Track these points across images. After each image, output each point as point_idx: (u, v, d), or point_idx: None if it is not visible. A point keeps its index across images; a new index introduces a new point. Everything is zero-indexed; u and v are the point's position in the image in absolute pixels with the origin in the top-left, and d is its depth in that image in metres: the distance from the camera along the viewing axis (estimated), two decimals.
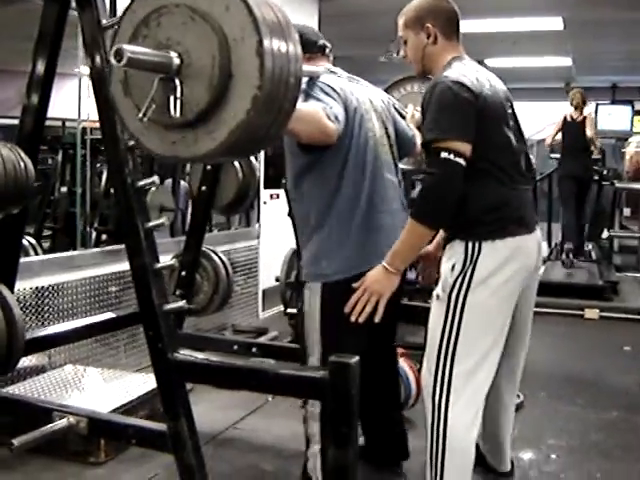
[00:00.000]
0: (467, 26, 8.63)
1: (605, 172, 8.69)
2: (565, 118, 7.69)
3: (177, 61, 1.66)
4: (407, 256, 2.29)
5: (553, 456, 3.11)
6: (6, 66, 8.82)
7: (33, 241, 4.40)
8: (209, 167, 3.51)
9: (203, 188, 3.52)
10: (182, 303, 2.29)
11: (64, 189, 5.88)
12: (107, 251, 4.16)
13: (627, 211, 10.03)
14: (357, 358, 1.93)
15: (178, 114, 1.67)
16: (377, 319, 2.28)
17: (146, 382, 3.35)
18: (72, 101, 4.40)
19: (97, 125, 4.65)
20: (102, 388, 3.32)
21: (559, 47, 8.67)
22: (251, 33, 1.62)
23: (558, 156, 7.83)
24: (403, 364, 3.59)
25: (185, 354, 2.19)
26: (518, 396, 3.36)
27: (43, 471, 2.91)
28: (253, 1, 1.64)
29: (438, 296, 2.32)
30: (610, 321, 5.76)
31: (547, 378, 4.18)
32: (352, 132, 2.44)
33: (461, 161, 2.16)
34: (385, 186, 2.49)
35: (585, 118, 7.63)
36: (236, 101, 1.65)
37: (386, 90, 3.55)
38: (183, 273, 3.57)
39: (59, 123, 6.80)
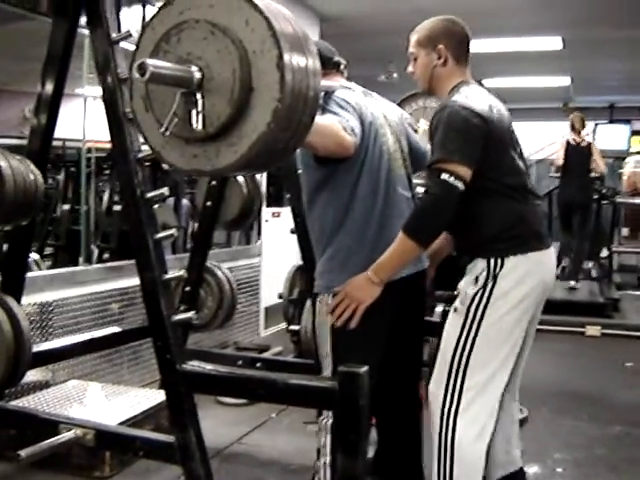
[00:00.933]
0: None
1: (604, 191, 8.72)
2: (568, 142, 7.72)
3: (198, 75, 1.68)
4: (392, 268, 2.29)
5: (559, 470, 3.11)
6: (6, 87, 8.88)
7: (37, 257, 4.41)
8: (214, 183, 3.53)
9: (208, 203, 3.53)
10: (191, 314, 2.29)
11: (66, 207, 5.90)
12: (110, 267, 4.17)
13: (625, 231, 10.07)
14: (366, 368, 1.94)
15: (200, 127, 1.68)
16: (352, 325, 2.29)
17: (150, 397, 3.36)
18: (72, 121, 4.42)
19: (99, 145, 4.74)
20: (106, 403, 3.32)
21: (558, 67, 8.74)
22: (271, 46, 1.64)
23: (558, 175, 7.85)
24: None
25: (193, 365, 2.20)
26: (521, 411, 3.37)
27: None
28: (272, 15, 1.66)
29: (456, 309, 2.33)
30: (611, 338, 5.77)
31: (550, 394, 4.18)
32: (367, 146, 2.45)
33: (459, 185, 2.18)
34: (398, 200, 2.50)
35: (589, 145, 7.68)
36: (257, 114, 1.66)
37: (398, 104, 3.58)
38: (187, 288, 3.58)
39: (59, 143, 6.83)
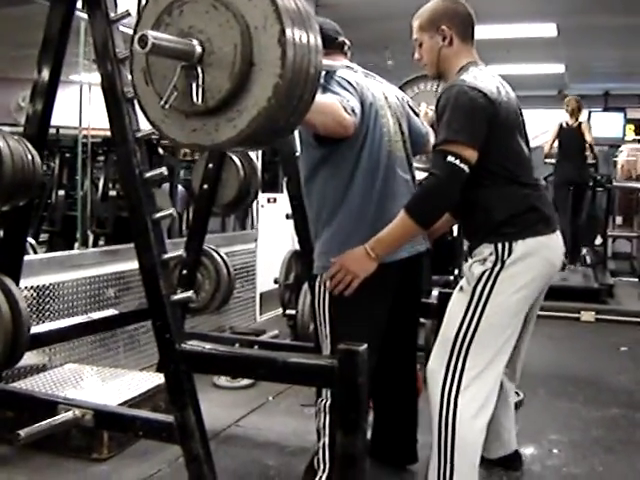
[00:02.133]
0: None
1: (599, 178, 8.74)
2: (561, 125, 7.74)
3: (199, 49, 1.67)
4: (390, 245, 2.30)
5: (555, 451, 3.12)
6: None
7: (33, 242, 4.40)
8: (210, 165, 3.52)
9: (205, 186, 3.53)
10: (190, 294, 2.29)
11: (61, 192, 5.88)
12: (106, 251, 4.16)
13: (619, 219, 10.09)
14: (365, 346, 1.94)
15: (200, 101, 1.67)
16: (346, 293, 2.32)
17: (147, 380, 3.36)
18: (66, 109, 4.39)
19: (94, 132, 4.71)
20: (103, 386, 3.31)
21: (552, 54, 8.73)
22: (273, 22, 1.63)
23: (553, 161, 7.87)
24: None
25: (192, 344, 2.20)
26: (517, 394, 3.39)
27: (46, 467, 2.90)
28: None
29: (462, 288, 2.34)
30: (606, 323, 5.79)
31: (546, 377, 4.20)
32: (367, 127, 2.45)
33: (465, 168, 2.18)
34: (397, 182, 2.50)
35: (581, 124, 7.70)
36: (257, 89, 1.66)
37: (400, 88, 3.58)
38: (184, 271, 3.58)
39: (53, 130, 6.81)
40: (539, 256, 2.30)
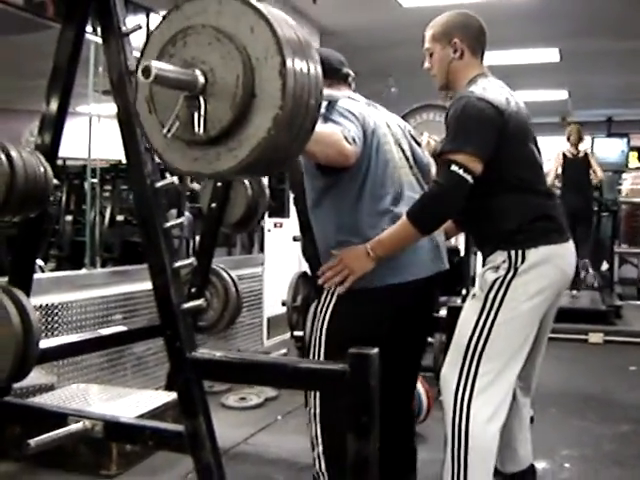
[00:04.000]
0: None
1: (604, 202, 8.77)
2: (564, 155, 7.76)
3: (202, 79, 1.70)
4: (389, 249, 2.30)
5: (567, 465, 3.11)
6: (7, 105, 8.90)
7: (41, 263, 4.42)
8: (219, 184, 3.54)
9: (213, 205, 3.55)
10: (200, 302, 2.29)
11: (69, 218, 5.92)
12: (115, 272, 4.18)
13: (624, 247, 10.10)
14: (377, 350, 1.95)
15: (202, 131, 1.70)
16: (341, 290, 2.33)
17: (155, 398, 3.35)
18: (72, 140, 4.42)
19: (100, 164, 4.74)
20: (111, 403, 3.31)
21: (555, 80, 8.81)
22: (274, 54, 1.66)
23: (558, 192, 7.88)
24: None
25: (203, 352, 2.20)
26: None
27: None
28: (277, 23, 1.68)
29: (474, 295, 2.34)
30: (614, 345, 5.77)
31: (557, 396, 4.19)
32: (370, 155, 2.45)
33: (469, 178, 2.19)
34: (407, 205, 2.50)
35: (587, 155, 7.72)
36: (258, 120, 1.68)
37: (402, 117, 3.62)
38: (193, 290, 3.58)
39: (59, 162, 6.88)
40: (552, 264, 2.30)
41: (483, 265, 2.43)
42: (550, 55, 7.57)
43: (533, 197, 2.34)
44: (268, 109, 1.66)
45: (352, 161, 2.34)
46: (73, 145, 4.40)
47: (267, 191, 3.69)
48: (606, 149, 10.58)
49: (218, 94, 1.70)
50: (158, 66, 1.63)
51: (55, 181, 2.53)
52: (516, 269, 2.26)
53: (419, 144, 2.81)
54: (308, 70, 1.72)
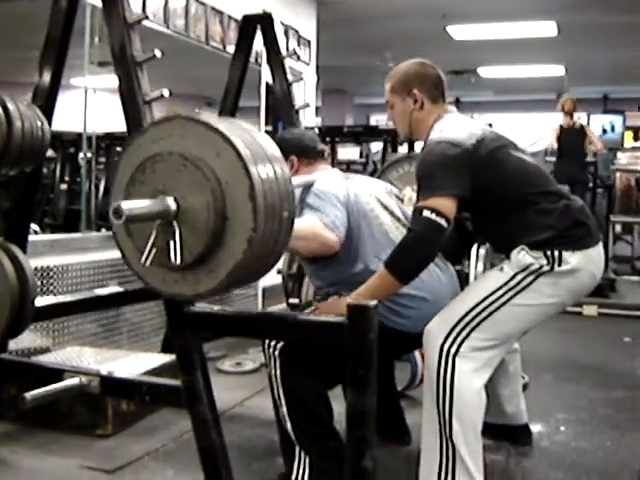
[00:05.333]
0: (460, 33, 8.87)
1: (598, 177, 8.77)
2: (561, 126, 7.76)
3: (174, 206, 1.72)
4: (368, 297, 2.24)
5: (562, 428, 3.12)
6: (2, 77, 8.81)
7: (37, 228, 4.40)
8: None
9: None
10: None
11: (63, 186, 5.89)
12: (111, 236, 4.15)
13: (618, 227, 10.10)
14: (375, 302, 1.95)
15: (178, 260, 1.72)
16: None
17: (151, 360, 3.34)
18: (65, 114, 4.39)
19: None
20: (106, 365, 3.30)
21: (552, 54, 8.79)
22: (242, 178, 1.68)
23: (553, 159, 7.89)
24: None
25: (201, 306, 2.19)
26: (522, 377, 3.37)
27: (50, 443, 2.88)
28: (241, 144, 1.70)
29: (502, 269, 2.30)
30: (609, 317, 5.79)
31: (552, 364, 4.21)
32: (358, 224, 2.49)
33: (441, 221, 2.18)
34: None
35: (583, 127, 7.72)
36: (232, 243, 1.71)
37: (383, 170, 3.62)
38: None
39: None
40: (586, 271, 2.27)
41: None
42: (548, 28, 7.54)
43: (553, 203, 2.30)
44: (242, 231, 1.70)
45: (337, 248, 2.38)
46: (68, 118, 4.38)
47: None
48: (602, 125, 10.56)
49: (191, 220, 1.72)
50: (128, 207, 1.65)
51: (50, 152, 2.51)
52: (552, 267, 2.23)
53: (402, 200, 2.80)
54: (277, 186, 1.75)
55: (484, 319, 2.26)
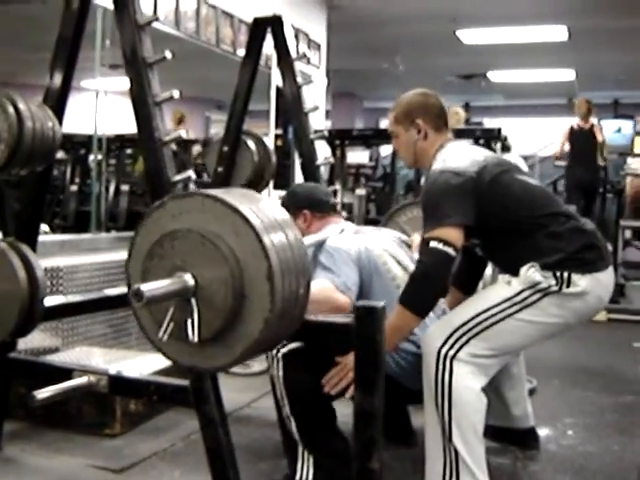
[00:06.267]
0: (470, 37, 8.83)
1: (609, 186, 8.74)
2: (572, 128, 7.75)
3: (192, 282, 1.72)
4: (392, 342, 2.27)
5: (570, 432, 3.11)
6: (12, 79, 8.85)
7: (47, 228, 4.43)
8: (225, 148, 3.54)
9: (219, 169, 3.54)
10: None
11: (74, 188, 5.92)
12: (121, 237, 4.18)
13: (628, 233, 10.07)
14: (382, 303, 1.95)
15: (195, 338, 1.72)
16: (348, 396, 2.27)
17: (160, 361, 3.33)
18: (76, 116, 4.42)
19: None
20: (115, 365, 3.31)
21: (563, 58, 8.78)
22: (261, 258, 1.68)
23: (564, 164, 7.87)
24: None
25: None
26: (530, 382, 3.38)
27: (59, 442, 2.90)
28: (259, 224, 1.71)
29: (510, 282, 2.30)
30: (618, 323, 5.76)
31: (560, 369, 4.21)
32: (371, 277, 2.50)
33: (449, 250, 2.20)
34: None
35: (592, 126, 7.70)
36: (249, 322, 1.71)
37: (392, 215, 3.64)
38: None
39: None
40: (594, 294, 2.27)
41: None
42: (558, 33, 7.53)
43: (562, 225, 2.31)
44: (259, 312, 1.70)
45: (348, 310, 2.35)
46: (78, 121, 4.41)
47: (274, 156, 3.68)
48: (613, 130, 10.52)
49: (209, 297, 1.72)
50: (148, 289, 1.65)
51: (61, 153, 2.52)
52: (561, 288, 2.23)
53: (410, 246, 2.81)
54: (295, 264, 1.75)
55: (485, 329, 2.27)
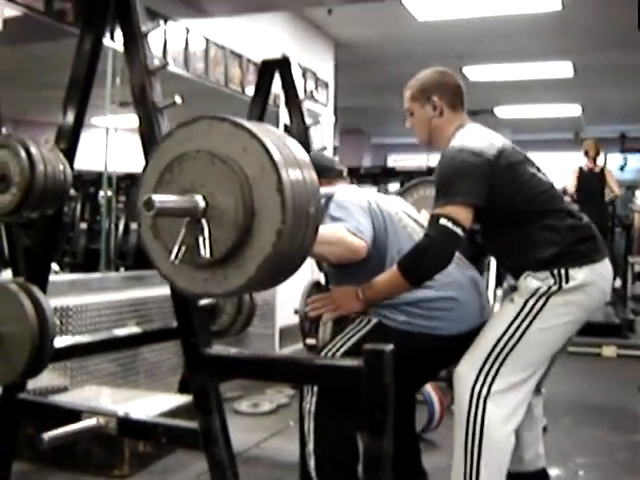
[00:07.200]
0: (476, 73, 8.87)
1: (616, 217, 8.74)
2: (581, 169, 7.75)
3: (202, 204, 1.73)
4: (378, 294, 2.33)
5: (581, 473, 3.09)
6: (23, 116, 8.96)
7: (57, 268, 4.45)
8: None
9: None
10: (215, 300, 2.30)
11: (83, 225, 5.96)
12: (130, 276, 4.20)
13: (638, 267, 10.04)
14: (391, 346, 1.95)
15: (207, 255, 1.72)
16: (323, 320, 2.42)
17: (168, 401, 3.35)
18: (87, 152, 4.43)
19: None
20: (123, 405, 3.31)
21: (569, 94, 8.82)
22: (270, 172, 1.69)
23: (568, 201, 7.87)
24: (427, 387, 3.59)
25: (218, 349, 2.21)
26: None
27: None
28: (268, 140, 1.72)
29: (513, 299, 2.32)
30: (628, 359, 5.73)
31: (570, 407, 4.17)
32: (384, 230, 2.49)
33: (458, 230, 2.21)
34: None
35: (603, 170, 7.70)
36: (261, 237, 1.72)
37: (400, 194, 3.67)
38: None
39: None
40: (595, 286, 2.28)
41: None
42: (564, 69, 7.58)
43: (561, 220, 2.32)
44: (270, 226, 1.70)
45: (364, 253, 2.37)
46: (88, 157, 4.44)
47: None
48: (620, 165, 10.56)
49: (220, 216, 1.72)
50: (159, 199, 1.66)
51: (71, 191, 2.55)
52: (560, 286, 2.25)
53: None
54: (304, 180, 1.77)
55: (508, 354, 2.27)
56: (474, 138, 2.36)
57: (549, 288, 2.25)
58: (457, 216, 2.21)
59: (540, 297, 2.26)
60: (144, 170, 1.90)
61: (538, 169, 2.46)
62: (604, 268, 2.34)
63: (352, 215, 2.42)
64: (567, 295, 2.25)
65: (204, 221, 1.72)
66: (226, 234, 1.71)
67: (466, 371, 2.30)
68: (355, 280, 2.44)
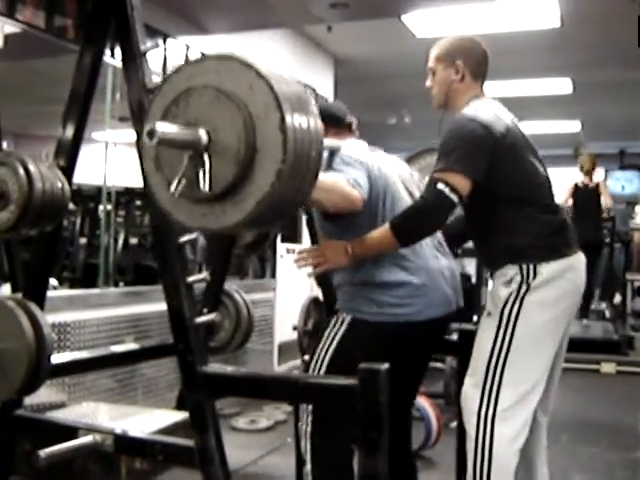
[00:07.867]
0: None
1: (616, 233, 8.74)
2: (576, 185, 7.75)
3: (205, 138, 1.74)
4: (366, 250, 2.35)
5: None
6: (25, 131, 8.98)
7: (55, 283, 4.45)
8: None
9: None
10: (212, 316, 2.31)
11: (83, 240, 5.97)
12: (128, 292, 4.20)
13: (637, 283, 10.06)
14: (387, 365, 1.96)
15: (207, 188, 1.73)
16: (307, 275, 2.52)
17: (165, 417, 3.34)
18: (87, 167, 4.44)
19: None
20: (120, 421, 3.31)
21: (568, 110, 8.84)
22: (274, 110, 1.70)
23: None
24: (424, 403, 3.59)
25: (214, 366, 2.21)
26: None
27: None
28: (274, 80, 1.73)
29: (490, 313, 2.33)
30: (627, 375, 5.72)
31: (568, 424, 4.15)
32: (378, 195, 2.49)
33: (454, 197, 2.22)
34: (420, 245, 2.48)
35: (598, 185, 7.70)
36: (261, 174, 1.72)
37: (407, 161, 3.67)
38: (205, 310, 3.59)
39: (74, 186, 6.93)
40: (565, 279, 2.30)
41: (492, 279, 2.43)
42: (563, 85, 7.60)
43: (541, 213, 2.34)
44: (271, 164, 1.71)
45: (360, 205, 2.38)
46: (88, 172, 4.46)
47: None
48: (619, 181, 10.58)
49: (221, 151, 1.73)
50: (162, 129, 1.67)
51: (71, 205, 2.56)
52: (529, 284, 2.26)
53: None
54: (308, 123, 1.77)
55: (503, 368, 2.27)
56: (487, 111, 2.35)
57: (519, 290, 2.26)
58: (455, 183, 2.22)
59: (514, 303, 2.27)
60: (151, 103, 1.90)
61: (540, 161, 2.45)
62: (575, 262, 2.35)
63: (353, 170, 2.42)
64: (538, 292, 2.26)
65: (206, 155, 1.74)
66: (227, 170, 1.72)
67: (470, 393, 2.31)
68: (346, 238, 2.45)
